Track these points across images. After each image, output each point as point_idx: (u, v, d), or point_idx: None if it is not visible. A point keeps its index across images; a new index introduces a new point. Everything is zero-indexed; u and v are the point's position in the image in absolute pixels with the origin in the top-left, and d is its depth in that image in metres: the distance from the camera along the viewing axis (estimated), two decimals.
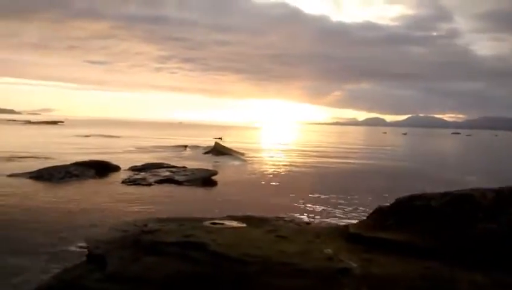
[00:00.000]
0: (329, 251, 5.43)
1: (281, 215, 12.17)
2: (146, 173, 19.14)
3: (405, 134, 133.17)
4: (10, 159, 24.09)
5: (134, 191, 15.86)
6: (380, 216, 6.64)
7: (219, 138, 41.07)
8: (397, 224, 6.26)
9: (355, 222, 7.31)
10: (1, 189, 14.99)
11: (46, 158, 24.91)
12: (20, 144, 37.05)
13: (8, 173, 18.50)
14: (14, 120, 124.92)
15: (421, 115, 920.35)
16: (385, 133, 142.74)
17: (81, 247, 7.84)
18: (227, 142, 41.19)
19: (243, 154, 32.36)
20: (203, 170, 20.40)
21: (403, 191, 6.98)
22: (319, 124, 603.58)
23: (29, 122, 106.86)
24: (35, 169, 18.66)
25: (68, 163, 19.62)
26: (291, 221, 8.15)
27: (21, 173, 18.35)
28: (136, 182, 17.31)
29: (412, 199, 6.56)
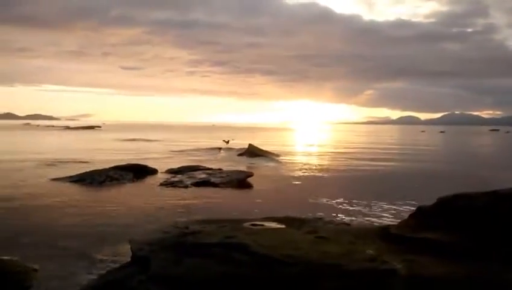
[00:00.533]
0: (371, 252, 5.38)
1: (319, 216, 12.29)
2: (183, 176, 19.40)
3: (443, 132, 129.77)
4: (52, 164, 24.88)
5: (172, 193, 16.10)
6: (421, 216, 6.51)
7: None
8: (440, 224, 6.13)
9: (395, 222, 7.21)
10: (45, 193, 15.50)
11: (86, 162, 25.58)
12: (61, 149, 38.25)
13: (51, 177, 19.13)
14: (54, 126, 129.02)
15: (457, 112, 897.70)
16: (423, 131, 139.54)
17: (124, 249, 8.03)
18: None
19: (277, 155, 32.39)
20: (239, 172, 20.55)
21: (444, 191, 6.82)
22: (352, 123, 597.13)
23: (68, 127, 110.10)
24: (76, 173, 19.22)
25: (107, 167, 20.13)
26: (330, 222, 8.10)
27: (63, 177, 18.93)
28: (174, 185, 17.58)
29: (454, 198, 6.40)
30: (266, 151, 32.97)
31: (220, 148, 38.01)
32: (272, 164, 27.40)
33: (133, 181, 18.72)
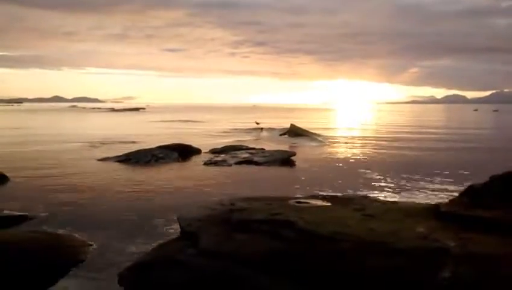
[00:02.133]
0: (421, 229, 5.30)
1: (365, 194, 12.19)
2: (226, 155, 19.66)
3: (496, 111, 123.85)
4: (99, 144, 25.68)
5: (216, 172, 16.36)
6: (473, 194, 6.32)
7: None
8: (493, 202, 5.96)
9: (445, 201, 7.06)
10: (94, 172, 15.99)
11: (132, 142, 26.22)
12: (107, 130, 39.40)
13: (99, 157, 19.77)
14: (99, 108, 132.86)
15: (506, 90, 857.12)
16: (476, 110, 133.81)
17: (174, 224, 8.28)
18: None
19: (319, 135, 32.17)
20: (281, 151, 20.58)
21: (496, 169, 6.61)
22: (395, 103, 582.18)
23: (113, 109, 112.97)
24: (123, 153, 19.76)
25: (153, 147, 20.58)
26: (377, 200, 8.02)
27: (110, 157, 19.49)
28: (217, 164, 17.86)
29: (508, 175, 6.21)
30: (308, 131, 32.79)
31: (261, 128, 38.10)
32: (314, 144, 27.26)
33: (178, 160, 19.13)
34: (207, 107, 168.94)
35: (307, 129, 33.67)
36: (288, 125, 34.70)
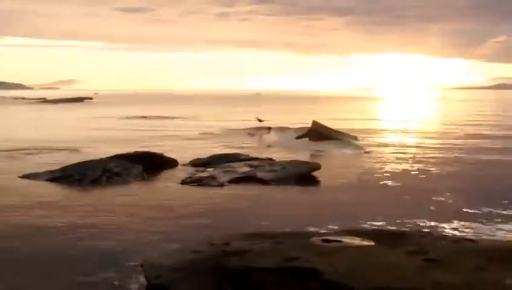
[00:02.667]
0: None
1: (423, 228, 12.10)
2: (215, 169, 19.55)
3: None
4: (21, 154, 25.37)
5: (200, 194, 16.30)
6: None
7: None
8: None
9: None
10: (12, 198, 15.68)
11: (74, 151, 26.01)
12: (34, 131, 39.28)
13: (21, 173, 19.43)
14: (24, 98, 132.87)
15: None
16: None
17: (136, 276, 8.26)
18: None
19: (355, 138, 32.13)
20: (299, 163, 20.43)
21: None
22: (472, 88, 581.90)
23: (44, 100, 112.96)
24: (58, 166, 19.48)
25: (105, 157, 20.45)
26: (443, 237, 8.04)
27: (39, 172, 19.04)
28: (203, 183, 17.73)
29: None
30: (339, 132, 32.68)
31: (269, 128, 38.09)
32: (348, 151, 27.13)
33: (143, 178, 19.03)
34: (186, 97, 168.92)
35: (336, 129, 33.62)
36: (308, 124, 34.65)
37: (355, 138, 31.89)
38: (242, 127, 41.06)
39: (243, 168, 19.56)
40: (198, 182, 17.93)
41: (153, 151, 22.30)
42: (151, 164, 20.41)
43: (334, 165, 22.38)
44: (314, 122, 33.88)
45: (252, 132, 37.57)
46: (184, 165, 21.51)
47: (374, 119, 56.39)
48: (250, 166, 19.92)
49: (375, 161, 24.07)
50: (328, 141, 30.55)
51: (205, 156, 22.78)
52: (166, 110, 71.20)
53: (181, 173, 19.84)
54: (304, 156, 23.76)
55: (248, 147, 28.71)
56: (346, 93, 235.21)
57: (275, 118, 45.73)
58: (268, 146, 29.51)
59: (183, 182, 18.04)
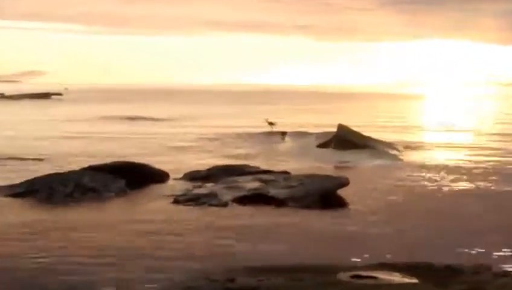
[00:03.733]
0: None
1: (479, 262, 11.95)
2: (216, 185, 19.46)
3: None
4: None
5: (196, 216, 16.37)
6: None
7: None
8: None
9: None
10: None
11: (39, 160, 26.32)
12: None
13: None
14: None
15: None
16: None
17: None
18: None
19: (392, 145, 32.10)
20: (321, 177, 20.27)
21: None
22: None
23: (3, 96, 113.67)
24: (21, 179, 19.67)
25: (77, 168, 20.59)
26: (505, 274, 8.05)
27: None
28: (200, 201, 17.73)
29: None
30: (370, 138, 32.71)
31: (283, 133, 38.19)
32: (383, 162, 27.18)
33: (125, 194, 19.11)
34: (179, 92, 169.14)
35: (367, 135, 33.61)
36: (332, 128, 34.72)
37: (392, 146, 31.83)
38: (249, 131, 41.10)
39: (251, 184, 19.51)
40: (195, 200, 17.96)
41: (137, 161, 22.33)
42: (136, 178, 20.40)
43: (364, 180, 22.22)
44: (340, 126, 33.84)
45: (263, 138, 37.64)
46: (177, 179, 21.56)
47: (415, 123, 56.14)
48: (260, 181, 19.87)
49: (417, 175, 23.96)
50: (357, 149, 30.57)
51: (204, 168, 22.79)
52: (154, 109, 71.07)
53: (173, 189, 19.90)
54: (327, 169, 23.80)
55: (257, 157, 28.71)
56: (376, 90, 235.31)
57: (289, 120, 45.81)
58: (283, 156, 29.55)
59: (176, 201, 18.08)
